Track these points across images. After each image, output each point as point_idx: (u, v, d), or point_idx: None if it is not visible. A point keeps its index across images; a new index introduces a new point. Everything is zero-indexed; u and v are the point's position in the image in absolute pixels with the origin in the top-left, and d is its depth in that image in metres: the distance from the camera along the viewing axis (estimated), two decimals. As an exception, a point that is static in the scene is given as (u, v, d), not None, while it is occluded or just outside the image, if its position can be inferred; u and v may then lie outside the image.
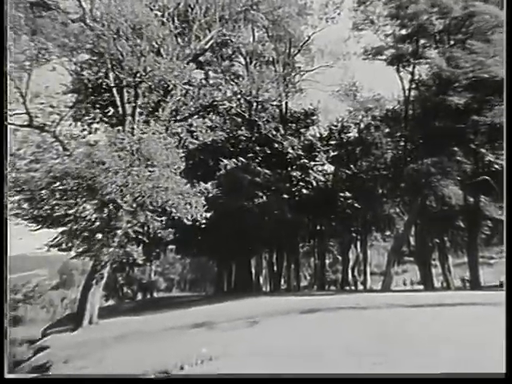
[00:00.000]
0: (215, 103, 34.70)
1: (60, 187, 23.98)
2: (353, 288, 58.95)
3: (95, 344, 18.45)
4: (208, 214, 26.61)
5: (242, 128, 47.83)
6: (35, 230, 25.63)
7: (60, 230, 26.27)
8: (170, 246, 52.41)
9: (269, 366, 10.91)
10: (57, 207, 24.64)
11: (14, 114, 27.77)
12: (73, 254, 28.18)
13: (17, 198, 24.36)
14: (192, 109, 33.85)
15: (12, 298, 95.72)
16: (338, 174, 51.85)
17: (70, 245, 26.61)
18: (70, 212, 24.87)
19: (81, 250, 26.62)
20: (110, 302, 68.83)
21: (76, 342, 20.72)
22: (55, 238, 26.67)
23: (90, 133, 31.69)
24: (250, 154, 45.62)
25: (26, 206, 24.60)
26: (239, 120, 48.59)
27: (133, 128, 26.46)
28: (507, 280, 7.56)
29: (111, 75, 28.80)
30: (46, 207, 24.52)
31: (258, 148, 46.76)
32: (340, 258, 64.57)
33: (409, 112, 47.13)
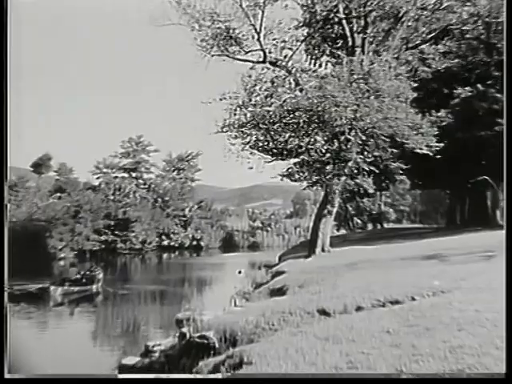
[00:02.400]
0: (449, 27, 32.66)
1: (292, 120, 24.87)
2: None
3: (328, 271, 19.10)
4: (441, 144, 25.67)
5: (480, 52, 44.68)
6: (270, 162, 27.04)
7: (293, 161, 27.38)
8: (400, 177, 51.78)
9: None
10: (290, 140, 25.65)
11: (249, 51, 29.07)
12: (305, 184, 29.28)
13: (253, 131, 25.82)
14: (424, 35, 32.26)
15: (251, 225, 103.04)
16: None
17: (302, 175, 27.66)
18: (302, 144, 25.71)
19: (313, 180, 27.54)
20: (341, 232, 70.67)
21: (310, 268, 21.67)
22: (289, 169, 27.89)
23: (320, 66, 32.03)
24: (488, 81, 42.66)
25: (261, 138, 25.97)
26: (476, 44, 45.37)
27: (362, 59, 26.15)
28: (507, 282, 6.58)
29: (341, 6, 28.58)
30: (280, 140, 25.65)
31: (496, 73, 43.49)
32: None
33: None
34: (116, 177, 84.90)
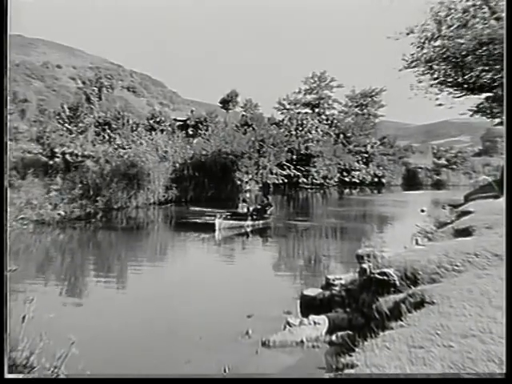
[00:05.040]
0: None
1: (486, 53, 23.31)
2: None
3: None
4: None
5: None
6: (459, 97, 25.80)
7: (484, 96, 25.87)
8: None
9: None
10: (482, 73, 24.18)
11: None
12: (497, 120, 27.61)
13: (442, 65, 24.66)
14: None
15: (435, 163, 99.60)
16: None
17: (494, 111, 26.10)
18: (496, 77, 24.13)
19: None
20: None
21: (499, 209, 20.50)
22: (480, 104, 26.45)
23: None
24: None
25: (451, 73, 24.77)
26: None
27: None
28: (507, 283, 5.58)
29: None
30: (471, 74, 24.28)
31: None
32: None
33: None
34: (299, 112, 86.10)
